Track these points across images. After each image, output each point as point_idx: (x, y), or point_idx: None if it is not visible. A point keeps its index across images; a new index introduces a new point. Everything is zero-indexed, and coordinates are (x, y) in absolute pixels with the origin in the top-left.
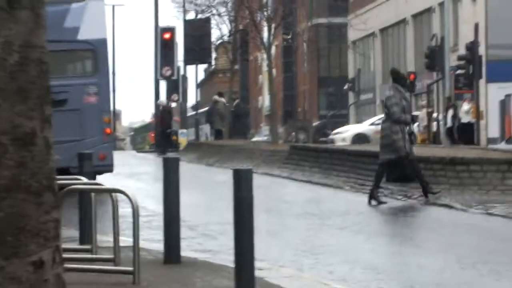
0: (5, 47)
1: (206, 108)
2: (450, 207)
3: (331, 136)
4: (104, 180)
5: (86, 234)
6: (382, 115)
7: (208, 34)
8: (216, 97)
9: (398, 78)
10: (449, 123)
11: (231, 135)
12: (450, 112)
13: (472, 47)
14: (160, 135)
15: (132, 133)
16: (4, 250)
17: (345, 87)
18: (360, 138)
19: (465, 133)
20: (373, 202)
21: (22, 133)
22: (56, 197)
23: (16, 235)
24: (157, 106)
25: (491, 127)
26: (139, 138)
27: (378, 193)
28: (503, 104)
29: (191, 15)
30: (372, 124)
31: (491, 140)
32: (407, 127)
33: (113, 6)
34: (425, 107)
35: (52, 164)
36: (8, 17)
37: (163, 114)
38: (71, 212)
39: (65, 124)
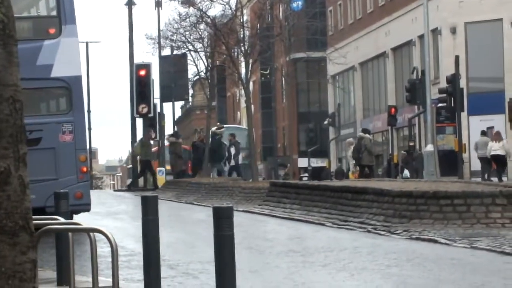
0: None
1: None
2: (434, 241)
3: None
4: (82, 219)
5: (64, 275)
6: None
7: (184, 70)
8: (361, 134)
9: None
10: (232, 162)
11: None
12: (233, 150)
13: (453, 79)
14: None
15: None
16: None
17: (325, 122)
18: None
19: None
20: None
21: None
22: (32, 237)
23: None
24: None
25: (474, 159)
26: None
27: None
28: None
29: (166, 51)
30: None
31: (474, 173)
32: None
33: (87, 43)
34: (352, 144)
35: (28, 203)
36: None
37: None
38: (48, 252)
39: (40, 163)
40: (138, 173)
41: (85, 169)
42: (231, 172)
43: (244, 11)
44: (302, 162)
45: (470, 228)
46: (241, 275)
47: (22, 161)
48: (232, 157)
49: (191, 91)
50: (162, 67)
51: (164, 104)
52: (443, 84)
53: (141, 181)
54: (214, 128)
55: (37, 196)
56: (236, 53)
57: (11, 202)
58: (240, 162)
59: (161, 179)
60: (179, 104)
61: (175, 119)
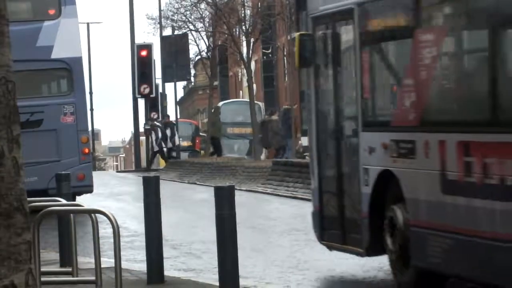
0: None
1: None
2: None
3: None
4: (84, 201)
5: (67, 257)
6: None
7: (185, 50)
8: None
9: None
10: (169, 144)
11: None
12: (169, 132)
13: None
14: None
15: None
16: None
17: None
18: None
19: None
20: None
21: None
22: (27, 219)
23: None
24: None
25: None
26: None
27: None
28: None
29: (167, 31)
30: None
31: None
32: None
33: (88, 24)
34: None
35: (22, 185)
36: None
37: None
38: (50, 234)
39: (42, 145)
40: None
41: (87, 150)
42: (169, 154)
43: None
44: (305, 141)
45: None
46: (244, 254)
47: (15, 142)
48: (168, 139)
49: (193, 71)
50: (163, 47)
51: (166, 84)
52: None
53: (143, 161)
54: (286, 106)
55: (39, 178)
56: (237, 33)
57: (5, 184)
58: (176, 143)
59: (162, 160)
60: (181, 84)
61: (178, 100)
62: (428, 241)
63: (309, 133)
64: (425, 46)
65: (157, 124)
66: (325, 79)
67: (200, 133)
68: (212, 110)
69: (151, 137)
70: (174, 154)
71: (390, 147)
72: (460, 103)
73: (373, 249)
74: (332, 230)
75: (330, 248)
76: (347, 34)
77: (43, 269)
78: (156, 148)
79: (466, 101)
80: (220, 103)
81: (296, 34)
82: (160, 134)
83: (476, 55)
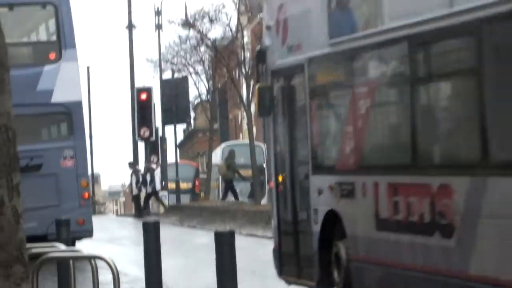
0: None
1: None
2: None
3: None
4: (84, 246)
5: None
6: None
7: (185, 93)
8: None
9: None
10: (149, 189)
11: None
12: (148, 177)
13: None
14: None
15: None
16: None
17: None
18: None
19: None
20: None
21: None
22: (26, 268)
23: None
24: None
25: None
26: None
27: None
28: None
29: (167, 74)
30: None
31: None
32: None
33: (88, 67)
34: None
35: (21, 234)
36: None
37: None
38: (50, 280)
39: (41, 190)
40: (224, 192)
41: (87, 195)
42: (147, 200)
43: (245, 33)
44: None
45: None
46: None
47: (15, 190)
48: (148, 183)
49: (192, 114)
50: (163, 90)
51: (166, 127)
52: None
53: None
54: None
55: (38, 224)
56: (237, 75)
57: (5, 233)
58: (157, 188)
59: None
60: (181, 127)
61: (178, 143)
62: (366, 274)
63: (270, 176)
64: (360, 99)
65: (138, 169)
66: (282, 127)
67: (200, 175)
68: (227, 152)
69: (132, 182)
70: (149, 204)
71: (335, 189)
72: (387, 149)
73: (323, 283)
74: (289, 265)
75: (288, 282)
76: (300, 86)
77: None
78: (135, 192)
79: (391, 148)
80: (223, 144)
81: (256, 86)
82: (140, 178)
83: (399, 110)
